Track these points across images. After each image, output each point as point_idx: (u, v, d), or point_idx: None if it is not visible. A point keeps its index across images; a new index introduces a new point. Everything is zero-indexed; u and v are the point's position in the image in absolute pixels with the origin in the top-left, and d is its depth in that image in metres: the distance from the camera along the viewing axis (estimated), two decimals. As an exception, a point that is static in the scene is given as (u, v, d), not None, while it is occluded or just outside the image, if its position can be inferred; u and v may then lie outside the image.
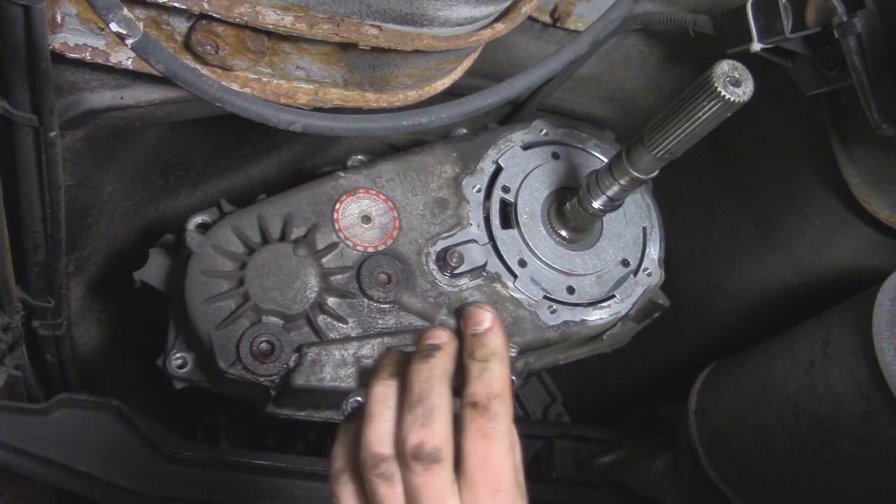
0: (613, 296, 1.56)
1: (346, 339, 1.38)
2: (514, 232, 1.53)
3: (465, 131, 1.66)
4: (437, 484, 0.80)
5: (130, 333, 1.96)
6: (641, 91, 1.89)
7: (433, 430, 0.80)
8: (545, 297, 1.51)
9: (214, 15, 1.02)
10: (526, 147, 1.61)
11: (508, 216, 1.55)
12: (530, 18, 1.58)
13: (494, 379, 0.84)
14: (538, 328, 1.50)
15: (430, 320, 1.41)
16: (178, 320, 1.42)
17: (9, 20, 0.90)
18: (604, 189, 1.39)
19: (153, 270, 1.48)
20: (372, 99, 1.27)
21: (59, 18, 1.03)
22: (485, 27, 1.19)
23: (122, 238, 1.75)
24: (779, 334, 1.63)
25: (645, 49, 1.77)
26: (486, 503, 0.81)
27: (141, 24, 0.85)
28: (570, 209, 1.49)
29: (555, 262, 1.52)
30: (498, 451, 0.82)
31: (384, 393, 0.86)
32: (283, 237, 1.42)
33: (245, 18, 1.02)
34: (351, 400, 1.40)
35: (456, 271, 1.47)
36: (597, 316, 1.54)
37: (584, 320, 1.53)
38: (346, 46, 1.12)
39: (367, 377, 1.37)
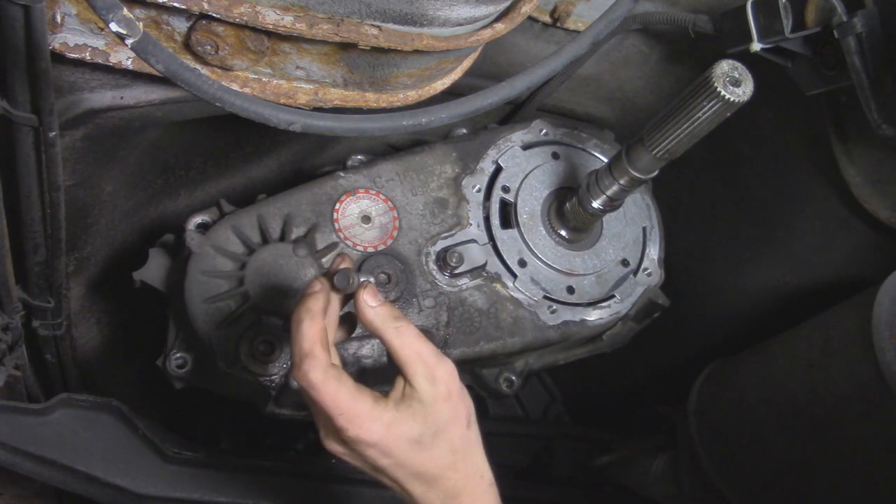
0: (613, 296, 1.56)
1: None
2: (513, 232, 1.53)
3: (465, 131, 1.66)
4: None
5: (130, 333, 1.96)
6: (641, 91, 1.89)
7: None
8: (545, 297, 1.51)
9: (214, 15, 1.02)
10: (526, 147, 1.61)
11: (508, 216, 1.55)
12: (530, 18, 1.58)
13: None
14: (538, 328, 1.50)
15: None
16: (178, 320, 1.42)
17: (9, 20, 0.90)
18: (604, 189, 1.39)
19: (153, 270, 1.48)
20: (372, 99, 1.27)
21: (59, 18, 1.03)
22: (485, 27, 1.19)
23: (122, 238, 1.75)
24: (779, 334, 1.63)
25: (645, 49, 1.77)
26: None
27: (141, 24, 0.85)
28: (570, 209, 1.49)
29: (555, 262, 1.52)
30: None
31: None
32: (283, 237, 1.42)
33: (245, 18, 1.02)
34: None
35: (456, 271, 1.47)
36: (597, 316, 1.54)
37: (583, 320, 1.53)
38: (346, 46, 1.12)
39: (366, 377, 1.37)
